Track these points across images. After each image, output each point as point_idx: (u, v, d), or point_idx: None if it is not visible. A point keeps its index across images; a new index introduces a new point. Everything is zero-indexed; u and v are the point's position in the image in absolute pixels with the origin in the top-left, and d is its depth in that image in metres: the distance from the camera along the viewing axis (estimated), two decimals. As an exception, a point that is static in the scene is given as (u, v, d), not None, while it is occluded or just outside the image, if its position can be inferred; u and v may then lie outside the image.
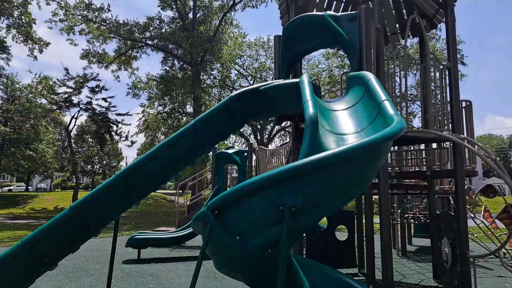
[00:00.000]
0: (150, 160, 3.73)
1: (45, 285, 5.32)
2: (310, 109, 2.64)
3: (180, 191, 15.42)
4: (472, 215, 7.63)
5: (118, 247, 9.43)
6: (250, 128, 28.66)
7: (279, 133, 29.61)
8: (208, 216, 2.30)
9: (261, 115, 4.22)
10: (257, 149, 10.07)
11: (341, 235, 6.30)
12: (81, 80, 27.07)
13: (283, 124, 23.55)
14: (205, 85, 26.67)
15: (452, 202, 7.75)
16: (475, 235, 8.04)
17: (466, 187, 8.12)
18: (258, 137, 28.17)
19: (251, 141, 26.98)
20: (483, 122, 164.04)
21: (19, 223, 16.30)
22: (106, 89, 28.46)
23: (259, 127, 30.13)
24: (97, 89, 28.03)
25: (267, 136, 29.26)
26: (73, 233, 3.45)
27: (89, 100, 28.03)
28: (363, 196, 5.13)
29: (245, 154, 9.29)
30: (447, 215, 4.92)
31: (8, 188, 38.43)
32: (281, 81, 3.82)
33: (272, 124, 30.15)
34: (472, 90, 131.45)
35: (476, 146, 4.25)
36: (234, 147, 8.48)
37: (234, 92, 3.79)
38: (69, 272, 6.19)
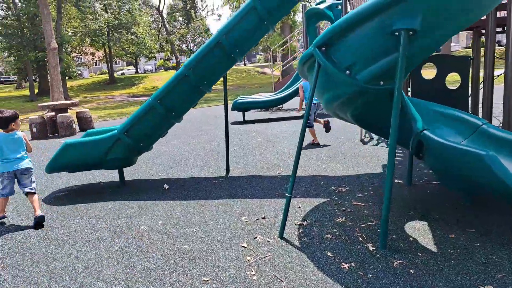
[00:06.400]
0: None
1: (179, 133, 6.36)
2: None
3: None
4: None
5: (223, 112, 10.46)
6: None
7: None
8: (316, 53, 2.30)
9: None
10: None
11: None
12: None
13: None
14: None
15: None
16: None
17: None
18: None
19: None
20: None
21: (140, 100, 18.80)
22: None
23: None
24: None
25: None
26: (189, 90, 3.85)
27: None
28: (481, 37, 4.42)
29: (338, 7, 8.37)
30: None
31: (121, 72, 43.34)
32: None
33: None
34: None
35: None
36: (325, 0, 7.69)
37: None
38: (187, 130, 7.24)
